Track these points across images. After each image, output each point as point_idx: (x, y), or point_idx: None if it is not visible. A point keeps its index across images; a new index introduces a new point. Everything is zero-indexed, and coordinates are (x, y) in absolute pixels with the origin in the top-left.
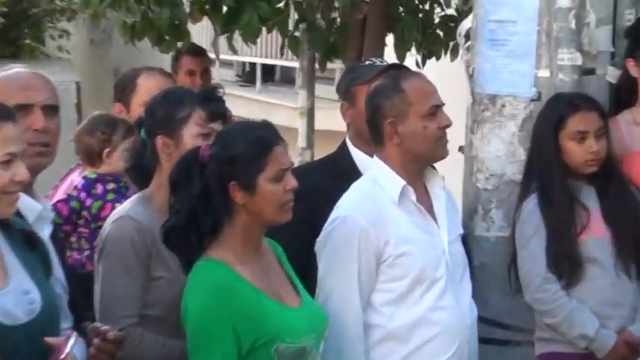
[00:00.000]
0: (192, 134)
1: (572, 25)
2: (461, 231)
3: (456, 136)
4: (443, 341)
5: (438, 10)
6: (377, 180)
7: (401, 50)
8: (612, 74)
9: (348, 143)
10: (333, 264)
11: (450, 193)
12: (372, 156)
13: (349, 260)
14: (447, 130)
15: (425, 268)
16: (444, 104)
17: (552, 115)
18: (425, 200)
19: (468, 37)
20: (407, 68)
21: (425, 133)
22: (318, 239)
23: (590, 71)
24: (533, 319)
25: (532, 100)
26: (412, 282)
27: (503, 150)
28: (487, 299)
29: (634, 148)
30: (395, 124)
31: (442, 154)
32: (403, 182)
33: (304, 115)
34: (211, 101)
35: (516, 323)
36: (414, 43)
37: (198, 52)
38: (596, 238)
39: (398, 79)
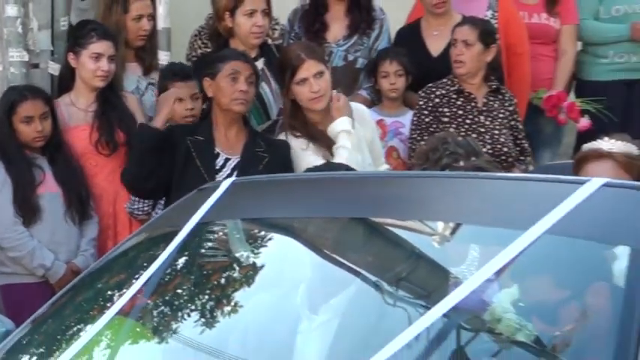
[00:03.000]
0: None
1: (20, 29)
2: None
3: None
4: None
5: None
6: None
7: None
8: (53, 67)
9: None
10: None
11: None
12: None
13: None
14: None
15: None
16: None
17: (7, 104)
18: None
19: None
20: None
21: None
22: None
23: (35, 65)
24: None
25: None
26: None
27: None
28: None
29: (71, 123)
30: None
31: None
32: None
33: None
34: None
35: None
36: None
37: None
38: (51, 192)
39: None
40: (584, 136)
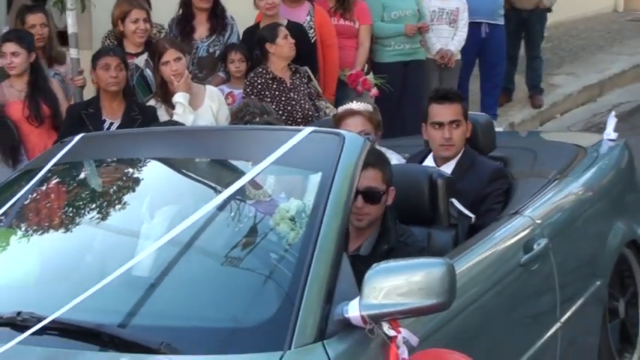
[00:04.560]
0: None
1: None
2: None
3: None
4: None
5: None
6: None
7: None
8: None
9: None
10: None
11: None
12: None
13: None
14: None
15: None
16: None
17: None
18: None
19: None
20: None
21: None
22: None
23: None
24: None
25: None
26: None
27: None
28: None
29: (10, 99)
30: None
31: None
32: None
33: None
34: None
35: None
36: None
37: None
38: None
39: None
40: (375, 101)
